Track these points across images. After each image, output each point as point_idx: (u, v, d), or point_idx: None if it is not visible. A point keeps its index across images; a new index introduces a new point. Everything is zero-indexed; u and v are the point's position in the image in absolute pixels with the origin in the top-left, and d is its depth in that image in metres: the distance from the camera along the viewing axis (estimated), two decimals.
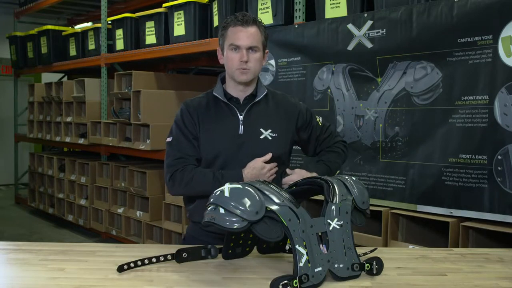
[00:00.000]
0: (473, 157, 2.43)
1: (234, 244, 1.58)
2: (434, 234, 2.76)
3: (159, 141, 4.42)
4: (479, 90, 2.41)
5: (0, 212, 7.12)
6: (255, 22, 1.85)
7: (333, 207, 1.44)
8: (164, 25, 4.62)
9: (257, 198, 1.33)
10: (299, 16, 3.28)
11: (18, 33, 7.13)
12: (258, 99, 1.90)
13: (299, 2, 3.27)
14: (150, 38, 4.78)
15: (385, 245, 2.71)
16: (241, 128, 1.86)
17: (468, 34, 2.44)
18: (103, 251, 1.72)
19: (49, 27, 6.43)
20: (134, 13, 5.10)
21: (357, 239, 2.82)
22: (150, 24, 4.77)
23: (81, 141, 5.72)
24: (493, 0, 2.36)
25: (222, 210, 1.33)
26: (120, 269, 1.46)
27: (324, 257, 1.38)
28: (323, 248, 1.39)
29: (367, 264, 1.43)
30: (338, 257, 1.40)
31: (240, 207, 1.31)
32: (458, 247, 2.40)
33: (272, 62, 3.40)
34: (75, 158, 6.00)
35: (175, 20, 4.40)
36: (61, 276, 1.43)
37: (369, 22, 2.83)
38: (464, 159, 2.46)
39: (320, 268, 1.36)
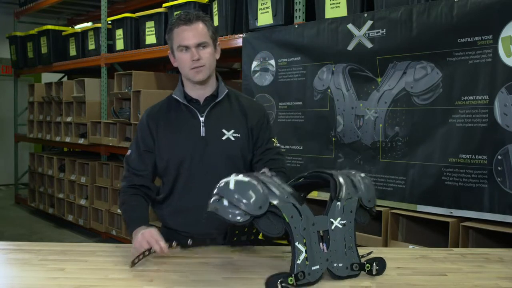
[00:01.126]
0: (473, 157, 2.43)
1: (240, 232, 1.57)
2: (434, 234, 2.76)
3: None
4: (479, 90, 2.41)
5: (0, 212, 7.12)
6: (199, 18, 1.79)
7: (338, 205, 1.42)
8: (164, 25, 4.61)
9: (261, 192, 1.31)
10: (299, 16, 3.28)
11: (18, 33, 7.13)
12: (219, 99, 1.85)
13: (299, 2, 3.27)
14: (150, 38, 4.78)
15: (385, 245, 2.70)
16: (202, 130, 1.81)
17: (468, 34, 2.44)
18: (103, 251, 1.72)
19: (49, 27, 6.42)
20: (134, 13, 5.10)
21: (357, 239, 2.82)
22: (150, 24, 4.77)
23: (81, 141, 5.71)
24: (493, 0, 2.35)
25: (226, 202, 1.31)
26: (132, 264, 1.48)
27: (323, 255, 1.38)
28: (323, 247, 1.39)
29: (368, 265, 1.43)
30: (338, 256, 1.39)
31: (244, 201, 1.29)
32: (458, 247, 2.40)
33: (272, 62, 3.40)
34: (75, 158, 6.00)
35: None
36: (61, 276, 1.43)
37: (369, 22, 2.83)
38: (464, 159, 2.46)
39: (317, 266, 1.35)
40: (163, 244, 1.59)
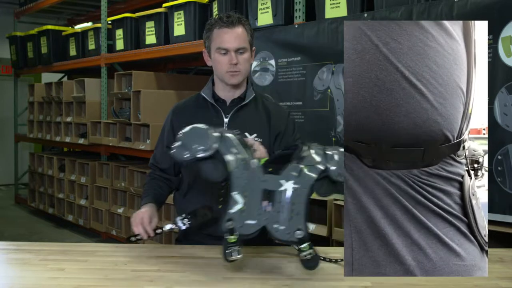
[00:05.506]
0: None
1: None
2: None
3: None
4: None
5: (0, 212, 7.12)
6: (241, 21, 1.78)
7: (295, 167, 1.39)
8: (164, 25, 4.61)
9: (210, 139, 1.39)
10: (299, 16, 3.28)
11: (18, 33, 7.12)
12: (246, 102, 1.85)
13: (299, 2, 3.27)
14: (150, 38, 4.78)
15: None
16: None
17: None
18: (103, 251, 1.72)
19: (49, 27, 6.42)
20: (134, 13, 5.09)
21: None
22: (150, 24, 4.77)
23: (81, 141, 5.72)
24: (493, 0, 2.35)
25: (180, 143, 1.42)
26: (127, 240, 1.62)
27: (265, 214, 1.38)
28: (267, 204, 1.39)
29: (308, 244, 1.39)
30: (281, 219, 1.38)
31: (192, 143, 1.40)
32: None
33: (272, 62, 3.40)
34: (75, 158, 6.00)
35: (175, 20, 4.40)
36: (61, 276, 1.43)
37: None
38: None
39: (254, 222, 1.37)
40: (147, 227, 1.68)
